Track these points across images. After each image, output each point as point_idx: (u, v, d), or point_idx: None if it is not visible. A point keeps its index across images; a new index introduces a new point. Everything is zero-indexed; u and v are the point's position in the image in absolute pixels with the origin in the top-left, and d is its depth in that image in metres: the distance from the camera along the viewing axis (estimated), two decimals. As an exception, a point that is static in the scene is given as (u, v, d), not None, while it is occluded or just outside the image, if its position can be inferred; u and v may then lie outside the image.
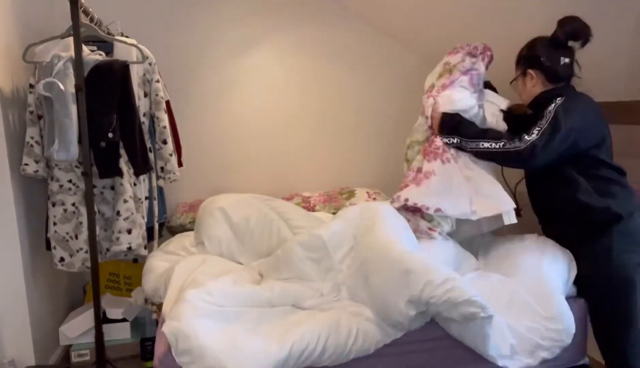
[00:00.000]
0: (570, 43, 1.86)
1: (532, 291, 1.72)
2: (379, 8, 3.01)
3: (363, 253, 1.78)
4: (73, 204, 2.11)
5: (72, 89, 1.93)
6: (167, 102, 2.42)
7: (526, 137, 1.75)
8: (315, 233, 1.89)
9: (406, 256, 1.64)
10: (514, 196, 3.53)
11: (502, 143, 1.79)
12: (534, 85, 1.91)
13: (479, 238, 2.14)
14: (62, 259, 2.13)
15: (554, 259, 1.82)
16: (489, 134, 1.87)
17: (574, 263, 1.84)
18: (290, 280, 1.84)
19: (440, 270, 1.60)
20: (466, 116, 1.93)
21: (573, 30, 1.82)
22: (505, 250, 1.98)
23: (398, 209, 1.98)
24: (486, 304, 1.53)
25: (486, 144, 1.83)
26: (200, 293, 1.59)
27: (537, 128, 1.75)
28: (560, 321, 1.65)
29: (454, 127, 1.91)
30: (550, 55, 1.86)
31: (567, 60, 1.86)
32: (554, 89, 1.88)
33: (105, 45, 2.21)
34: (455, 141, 1.90)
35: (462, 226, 1.98)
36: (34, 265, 2.22)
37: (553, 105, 1.78)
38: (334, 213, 2.36)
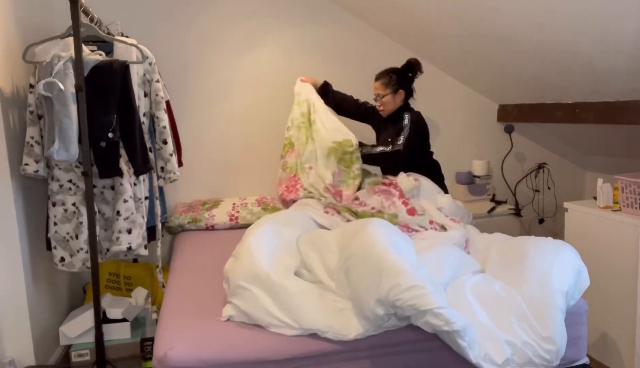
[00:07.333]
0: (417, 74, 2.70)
1: (533, 306, 1.71)
2: (378, 8, 3.01)
3: (349, 249, 1.80)
4: (73, 204, 2.11)
5: (72, 89, 1.93)
6: (167, 102, 2.42)
7: (398, 142, 2.56)
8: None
9: (385, 256, 1.64)
10: (513, 195, 3.53)
11: (390, 147, 2.58)
12: (400, 101, 2.68)
13: (497, 238, 2.17)
14: (62, 259, 2.13)
15: (563, 269, 1.81)
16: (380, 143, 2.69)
17: (586, 272, 1.86)
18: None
19: (412, 275, 1.56)
20: None
21: (417, 66, 2.69)
22: (517, 253, 1.95)
23: None
24: (452, 318, 1.47)
25: (379, 149, 2.60)
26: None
27: (402, 135, 2.57)
28: (555, 342, 1.64)
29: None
30: (409, 80, 2.70)
31: (413, 85, 2.73)
32: (406, 105, 2.70)
33: (105, 45, 2.21)
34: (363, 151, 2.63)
35: None
36: (34, 265, 2.22)
37: (407, 116, 2.62)
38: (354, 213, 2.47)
